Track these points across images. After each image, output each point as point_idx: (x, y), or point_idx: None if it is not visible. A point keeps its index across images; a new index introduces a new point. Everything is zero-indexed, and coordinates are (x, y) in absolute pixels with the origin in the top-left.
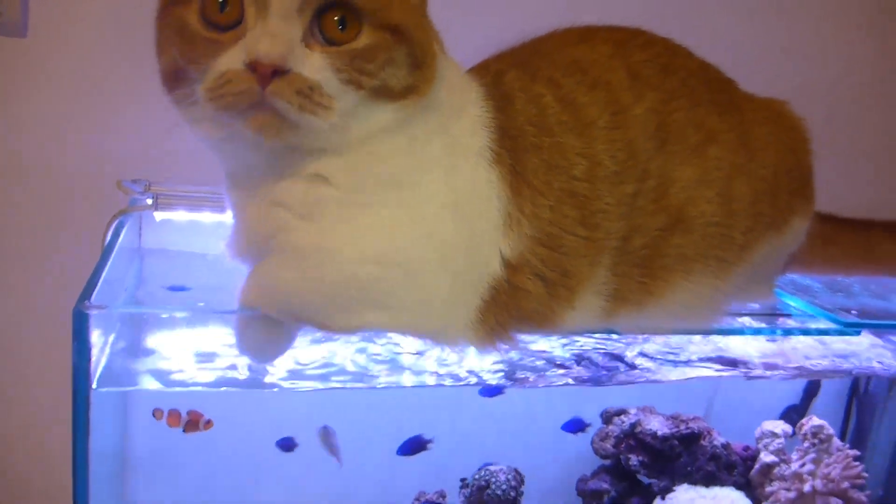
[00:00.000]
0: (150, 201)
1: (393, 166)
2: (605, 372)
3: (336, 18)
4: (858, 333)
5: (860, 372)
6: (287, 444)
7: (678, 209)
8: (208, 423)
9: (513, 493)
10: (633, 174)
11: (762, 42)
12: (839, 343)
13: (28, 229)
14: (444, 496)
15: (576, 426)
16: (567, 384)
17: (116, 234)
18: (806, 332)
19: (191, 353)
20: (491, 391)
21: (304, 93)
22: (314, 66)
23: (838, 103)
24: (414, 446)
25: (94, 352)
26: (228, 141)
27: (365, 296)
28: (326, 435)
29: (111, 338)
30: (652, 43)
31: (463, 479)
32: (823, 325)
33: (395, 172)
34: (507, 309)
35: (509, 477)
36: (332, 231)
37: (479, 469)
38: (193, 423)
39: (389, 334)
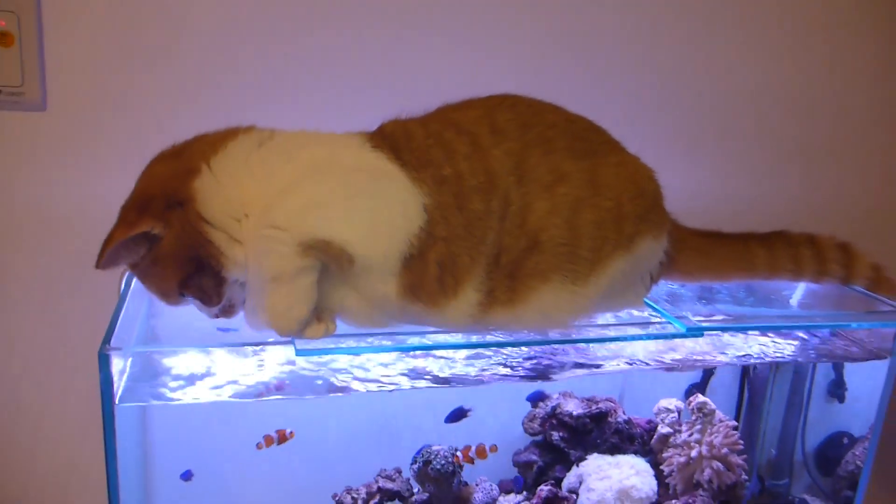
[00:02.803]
0: None
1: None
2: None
3: None
4: (701, 335)
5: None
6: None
7: (534, 234)
8: (291, 433)
9: (451, 468)
10: (495, 194)
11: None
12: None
13: (56, 275)
14: (399, 471)
15: (537, 396)
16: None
17: (128, 284)
18: (656, 336)
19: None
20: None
21: None
22: None
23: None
24: (457, 415)
25: (116, 378)
26: None
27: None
28: None
29: (128, 363)
30: (517, 104)
31: (414, 457)
32: (675, 329)
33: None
34: (415, 274)
35: (447, 454)
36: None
37: (422, 449)
38: (281, 437)
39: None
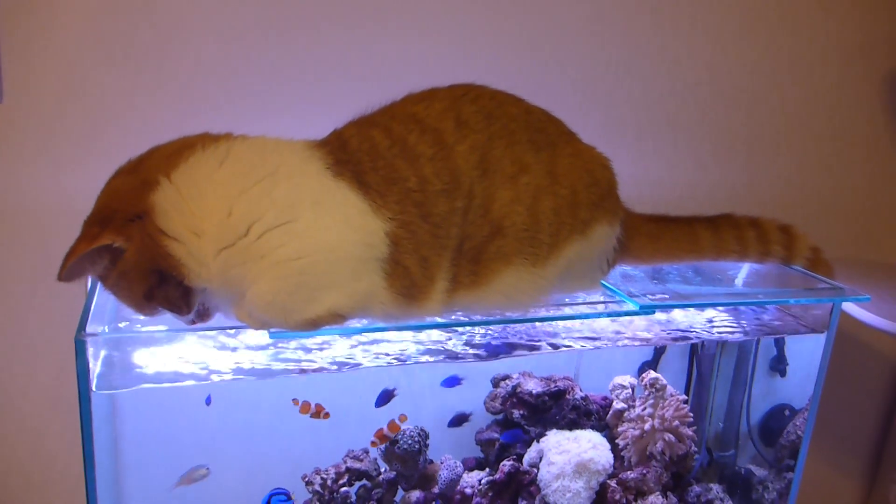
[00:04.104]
0: None
1: (271, 219)
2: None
3: None
4: (653, 313)
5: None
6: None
7: (498, 221)
8: (327, 414)
9: (417, 446)
10: (459, 193)
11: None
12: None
13: (14, 266)
14: (367, 452)
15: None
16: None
17: None
18: (613, 314)
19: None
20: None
21: None
22: None
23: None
24: (385, 398)
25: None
26: None
27: (315, 280)
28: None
29: (102, 354)
30: (481, 96)
31: None
32: (628, 307)
33: (272, 218)
34: (399, 280)
35: (413, 434)
36: (278, 256)
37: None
38: (316, 413)
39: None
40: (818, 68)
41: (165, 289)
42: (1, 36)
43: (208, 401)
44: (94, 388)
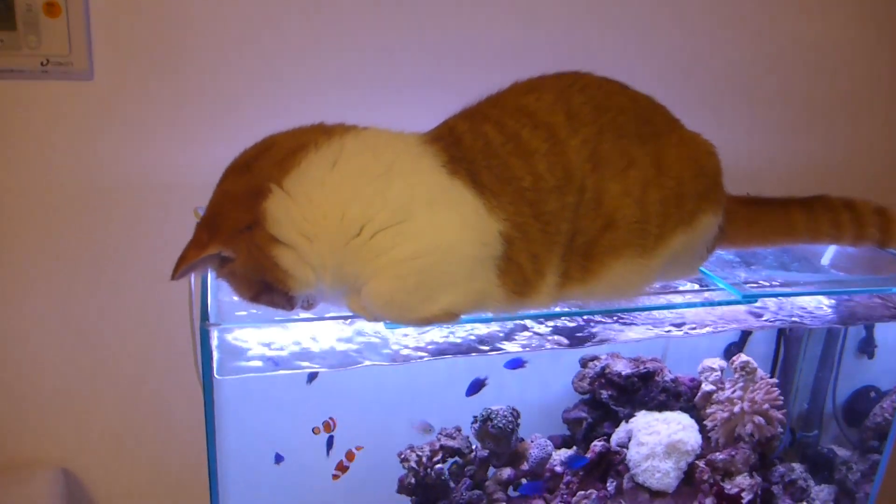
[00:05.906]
0: None
1: (385, 219)
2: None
3: None
4: (755, 302)
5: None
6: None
7: (610, 214)
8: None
9: (510, 426)
10: (571, 188)
11: None
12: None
13: (102, 241)
14: (459, 429)
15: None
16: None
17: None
18: (712, 303)
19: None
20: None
21: None
22: None
23: None
24: (476, 387)
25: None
26: None
27: (433, 280)
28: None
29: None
30: (589, 86)
31: (474, 416)
32: (730, 296)
33: (389, 217)
34: (511, 277)
35: (506, 413)
36: (395, 255)
37: (483, 409)
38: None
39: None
40: None
41: (270, 296)
42: (92, 17)
43: (310, 377)
44: (216, 375)
